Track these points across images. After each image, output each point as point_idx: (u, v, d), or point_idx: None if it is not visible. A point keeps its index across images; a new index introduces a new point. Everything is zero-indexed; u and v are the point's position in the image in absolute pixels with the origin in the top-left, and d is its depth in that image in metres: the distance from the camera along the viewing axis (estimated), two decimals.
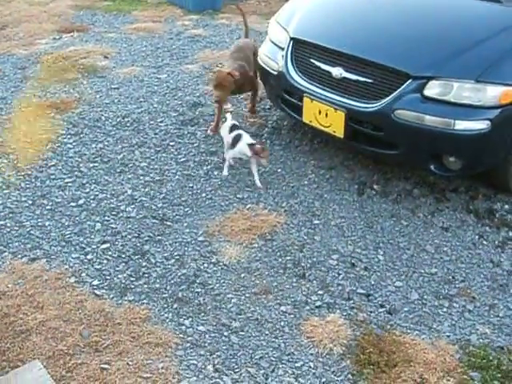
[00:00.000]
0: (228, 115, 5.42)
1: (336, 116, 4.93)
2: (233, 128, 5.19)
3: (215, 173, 5.25)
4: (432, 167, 4.81)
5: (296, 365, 3.59)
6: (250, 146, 4.98)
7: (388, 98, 4.69)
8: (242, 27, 6.87)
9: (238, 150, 5.06)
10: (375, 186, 5.18)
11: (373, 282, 4.20)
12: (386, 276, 4.26)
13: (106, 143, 5.64)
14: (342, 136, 4.99)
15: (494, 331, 3.85)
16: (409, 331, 3.82)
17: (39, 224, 4.58)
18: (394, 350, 3.67)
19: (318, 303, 4.02)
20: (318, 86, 5.10)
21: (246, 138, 5.05)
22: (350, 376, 3.53)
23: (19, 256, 4.25)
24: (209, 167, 5.34)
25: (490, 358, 3.64)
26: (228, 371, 3.52)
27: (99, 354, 3.56)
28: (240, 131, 5.13)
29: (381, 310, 3.99)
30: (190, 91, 6.70)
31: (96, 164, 5.35)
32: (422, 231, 4.70)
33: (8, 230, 4.52)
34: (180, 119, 6.02)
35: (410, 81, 4.62)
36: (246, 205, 4.88)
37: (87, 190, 4.99)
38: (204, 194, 4.99)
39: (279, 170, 5.33)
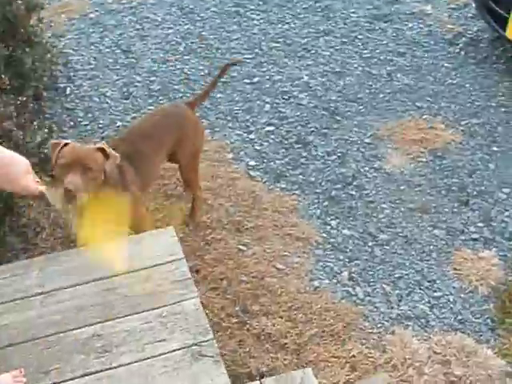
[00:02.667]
0: None
1: None
2: None
3: (398, 75, 4.92)
4: None
5: (434, 294, 3.38)
6: None
7: None
8: None
9: None
10: None
11: None
12: None
13: (293, 25, 5.43)
14: None
15: None
16: None
17: (211, 95, 4.54)
18: None
19: (475, 235, 3.72)
20: None
21: None
22: (489, 321, 3.28)
23: None
24: (393, 68, 5.00)
25: None
26: (363, 283, 3.40)
27: (240, 235, 3.55)
28: None
29: None
30: None
31: (278, 45, 5.18)
32: None
33: (180, 95, 4.55)
34: (373, 13, 5.65)
35: None
36: (423, 115, 4.55)
37: (264, 70, 4.87)
38: (382, 95, 4.71)
39: (467, 85, 4.89)
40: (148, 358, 2.25)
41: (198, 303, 2.42)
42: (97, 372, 2.21)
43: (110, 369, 2.22)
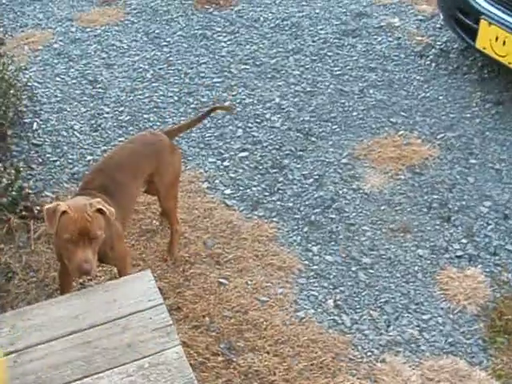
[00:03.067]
0: None
1: None
2: None
3: (371, 91, 4.86)
4: None
5: (423, 317, 3.30)
6: None
7: None
8: None
9: None
10: None
11: None
12: None
13: (261, 45, 5.34)
14: None
15: None
16: None
17: (181, 121, 4.45)
18: None
19: (460, 253, 3.66)
20: (500, 9, 4.51)
21: None
22: (480, 342, 3.21)
23: None
24: (365, 84, 4.94)
25: None
26: (349, 310, 3.31)
27: (219, 268, 3.45)
28: None
29: None
30: None
31: (247, 66, 5.10)
32: None
33: (151, 124, 4.44)
34: (342, 28, 5.59)
35: None
36: (399, 131, 4.49)
37: (234, 93, 4.78)
38: (355, 113, 4.64)
39: (440, 98, 4.85)
40: None
41: (180, 351, 2.30)
42: None
43: None
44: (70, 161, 4.17)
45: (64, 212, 2.56)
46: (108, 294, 2.50)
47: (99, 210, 2.61)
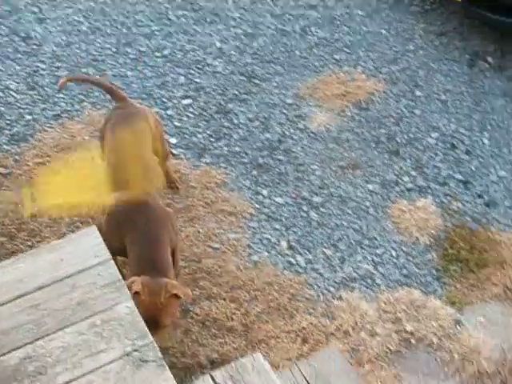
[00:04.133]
0: None
1: None
2: None
3: (312, 29, 4.78)
4: None
5: (376, 251, 3.32)
6: None
7: None
8: None
9: None
10: (489, 59, 4.60)
11: (473, 169, 3.80)
12: (488, 163, 3.84)
13: None
14: None
15: None
16: (507, 229, 3.46)
17: (121, 74, 4.32)
18: (487, 248, 3.33)
19: (410, 185, 3.67)
20: None
21: None
22: (433, 271, 3.25)
23: (98, 107, 4.04)
24: (306, 22, 4.86)
25: None
26: (302, 250, 3.30)
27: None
28: None
29: (478, 200, 3.62)
30: None
31: (186, 12, 4.96)
32: None
33: None
34: None
35: None
36: (343, 67, 4.44)
37: (174, 40, 4.65)
38: (298, 52, 4.57)
39: (383, 32, 4.80)
40: (87, 374, 2.09)
41: (131, 305, 2.25)
42: None
43: None
44: (8, 122, 4.02)
45: (136, 293, 2.45)
46: (54, 255, 2.42)
47: (175, 295, 2.49)
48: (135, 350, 2.14)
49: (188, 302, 2.75)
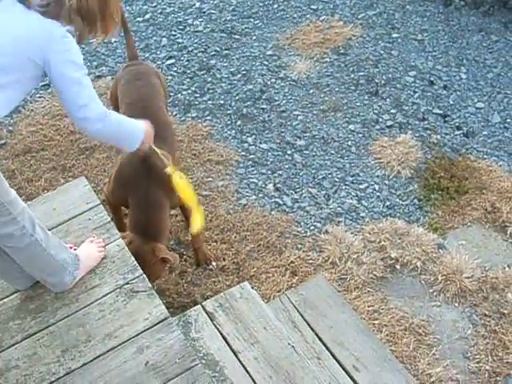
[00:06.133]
0: None
1: None
2: None
3: None
4: None
5: (360, 187, 3.46)
6: None
7: None
8: None
9: None
10: None
11: (451, 102, 3.90)
12: (466, 96, 3.94)
13: None
14: None
15: None
16: (485, 157, 3.58)
17: (105, 40, 4.41)
18: (467, 176, 3.46)
19: (390, 122, 3.79)
20: None
21: None
22: (416, 201, 3.38)
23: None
24: None
25: None
26: (289, 191, 3.44)
27: None
28: None
29: (457, 132, 3.73)
30: None
31: None
32: None
33: None
34: None
35: None
36: (320, 16, 4.54)
37: (154, 4, 4.75)
38: (276, 6, 4.66)
39: None
40: (83, 308, 2.25)
41: (121, 243, 2.41)
42: (35, 333, 2.21)
43: (48, 326, 2.22)
44: None
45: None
46: (46, 205, 2.58)
47: (162, 259, 2.67)
48: (127, 283, 2.29)
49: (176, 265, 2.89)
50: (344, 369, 2.56)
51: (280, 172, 3.53)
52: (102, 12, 1.90)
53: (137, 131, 2.16)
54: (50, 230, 2.31)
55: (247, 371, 2.36)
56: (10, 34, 1.83)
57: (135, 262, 2.35)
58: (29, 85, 1.95)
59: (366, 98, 3.93)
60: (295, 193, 3.43)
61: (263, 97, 3.95)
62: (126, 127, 2.13)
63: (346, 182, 3.48)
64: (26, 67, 1.86)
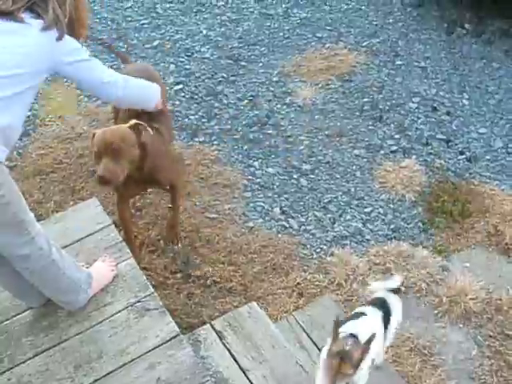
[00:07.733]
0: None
1: None
2: None
3: (294, 11, 4.97)
4: None
5: (365, 210, 3.51)
6: None
7: None
8: None
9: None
10: (466, 25, 4.79)
11: (454, 128, 3.97)
12: (469, 121, 4.02)
13: None
14: None
15: None
16: (488, 181, 3.64)
17: (114, 67, 4.51)
18: (470, 199, 3.51)
19: (394, 148, 3.86)
20: None
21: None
22: (420, 224, 3.43)
23: (93, 99, 4.24)
24: (288, 5, 5.05)
25: None
26: (295, 214, 3.49)
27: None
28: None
29: (460, 157, 3.80)
30: None
31: (173, 5, 5.16)
32: None
33: None
34: None
35: None
36: (325, 44, 4.63)
37: (162, 31, 4.85)
38: (281, 34, 4.76)
39: (363, 8, 4.99)
40: (95, 325, 2.29)
41: (133, 263, 2.46)
42: (48, 349, 2.25)
43: (61, 343, 2.26)
44: None
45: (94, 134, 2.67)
46: (59, 224, 2.63)
47: (133, 127, 2.66)
48: (138, 301, 2.34)
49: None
50: None
51: (286, 195, 3.58)
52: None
53: (153, 89, 2.53)
54: (62, 248, 2.36)
55: None
56: (22, 50, 1.91)
57: (146, 281, 2.40)
58: (37, 88, 2.04)
59: (371, 123, 4.00)
60: (301, 216, 3.48)
61: (269, 122, 4.02)
62: (145, 87, 2.48)
63: (352, 206, 3.53)
64: (39, 74, 1.99)
